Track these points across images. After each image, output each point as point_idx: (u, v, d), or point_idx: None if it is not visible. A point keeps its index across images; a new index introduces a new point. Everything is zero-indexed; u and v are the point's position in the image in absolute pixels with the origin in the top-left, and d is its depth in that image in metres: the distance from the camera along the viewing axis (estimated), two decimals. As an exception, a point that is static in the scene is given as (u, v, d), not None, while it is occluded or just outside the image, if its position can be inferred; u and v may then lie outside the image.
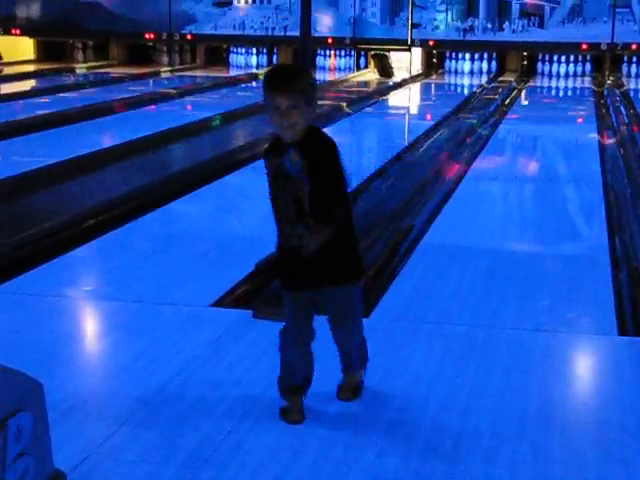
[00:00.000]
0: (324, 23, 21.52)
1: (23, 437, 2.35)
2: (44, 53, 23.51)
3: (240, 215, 8.40)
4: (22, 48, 23.20)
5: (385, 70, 21.49)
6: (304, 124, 3.73)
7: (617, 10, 20.81)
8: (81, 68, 22.29)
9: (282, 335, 3.99)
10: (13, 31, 22.87)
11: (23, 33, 23.05)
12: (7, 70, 20.82)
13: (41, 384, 2.50)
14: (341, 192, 3.81)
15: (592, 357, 4.96)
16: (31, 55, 23.51)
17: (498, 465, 3.65)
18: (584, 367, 4.82)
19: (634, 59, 21.44)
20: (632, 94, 18.43)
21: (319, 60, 22.69)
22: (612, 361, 4.85)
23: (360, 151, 13.00)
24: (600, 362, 4.90)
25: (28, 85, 19.26)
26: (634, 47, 20.85)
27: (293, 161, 3.72)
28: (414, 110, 17.95)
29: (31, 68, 21.95)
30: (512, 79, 20.43)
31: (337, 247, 3.82)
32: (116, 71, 21.52)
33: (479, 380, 4.46)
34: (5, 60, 22.60)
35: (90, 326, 5.46)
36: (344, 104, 16.35)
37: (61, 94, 17.10)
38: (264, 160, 3.89)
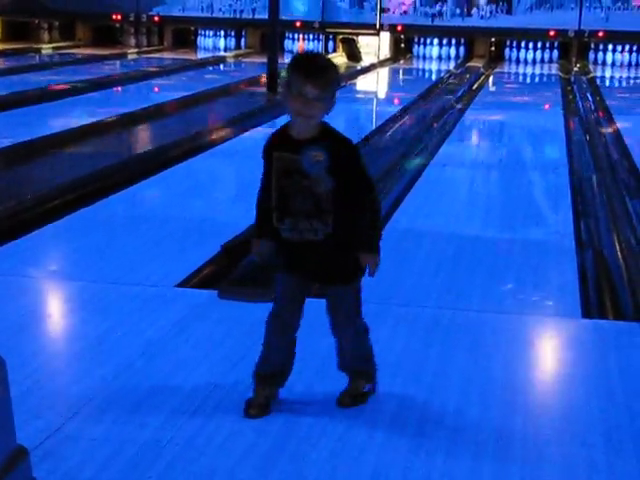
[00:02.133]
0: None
1: (-15, 412, 2.34)
2: (9, 33, 23.29)
3: (206, 197, 8.38)
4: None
5: (353, 55, 21.49)
6: (321, 118, 3.66)
7: (585, -3, 20.92)
8: (47, 49, 22.11)
9: (269, 320, 3.90)
10: (-23, 11, 22.70)
11: (-12, 13, 22.87)
12: (-29, 50, 20.67)
13: (4, 360, 2.48)
14: (371, 182, 3.74)
15: (556, 339, 4.98)
16: (-4, 35, 23.34)
17: (460, 443, 3.67)
18: (548, 349, 4.85)
19: (601, 46, 21.53)
20: (598, 81, 18.56)
21: (287, 44, 22.61)
22: (576, 343, 4.87)
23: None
24: (564, 344, 4.93)
25: (-8, 65, 19.12)
26: (601, 34, 20.93)
27: (314, 160, 3.61)
28: (382, 95, 17.95)
29: (-4, 48, 21.79)
30: (480, 65, 20.48)
31: (344, 246, 3.76)
32: (82, 52, 21.37)
33: (444, 361, 4.47)
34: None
35: (55, 306, 5.42)
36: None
37: (26, 74, 16.96)
38: (266, 153, 3.76)
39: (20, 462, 2.57)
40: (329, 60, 3.82)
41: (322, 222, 3.68)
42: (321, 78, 3.61)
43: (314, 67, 3.65)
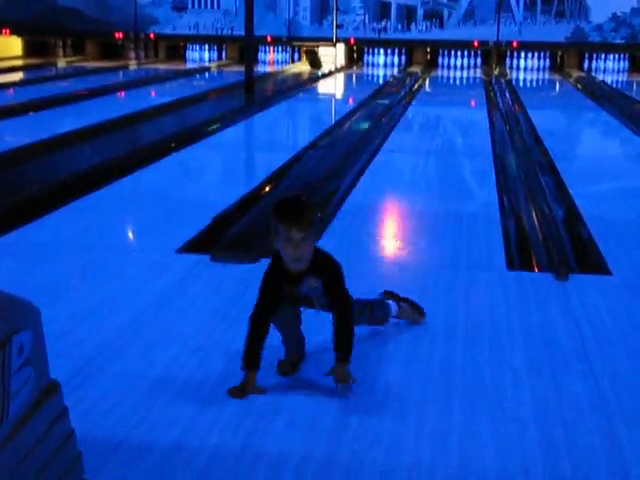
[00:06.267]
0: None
1: (24, 351, 2.32)
2: (30, 50, 23.01)
3: (197, 180, 8.35)
4: (12, 46, 22.69)
5: (315, 63, 21.40)
6: (311, 253, 3.44)
7: (501, 14, 20.97)
8: (61, 62, 21.86)
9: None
10: (4, 31, 22.35)
11: (13, 33, 22.54)
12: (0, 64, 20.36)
13: (39, 309, 2.46)
14: (348, 301, 3.57)
15: (487, 287, 4.99)
16: (19, 51, 23.01)
17: (413, 370, 3.69)
18: (481, 294, 4.85)
19: (515, 54, 21.64)
20: (514, 82, 18.60)
21: (260, 55, 22.48)
22: (502, 289, 4.90)
23: (295, 128, 12.96)
24: (493, 291, 4.92)
25: (17, 76, 18.86)
26: (515, 44, 21.07)
27: (313, 287, 3.51)
28: (339, 95, 17.89)
29: (20, 62, 21.48)
30: (418, 70, 20.45)
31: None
32: (91, 64, 21.13)
33: (396, 307, 4.48)
34: (-2, 56, 22.17)
35: (76, 269, 5.36)
36: (281, 90, 16.28)
37: (45, 83, 16.77)
38: (271, 281, 3.54)
39: (53, 393, 2.55)
40: (306, 201, 3.51)
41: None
42: (303, 220, 3.36)
43: (294, 212, 3.39)
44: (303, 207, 3.44)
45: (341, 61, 21.92)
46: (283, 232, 3.37)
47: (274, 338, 3.68)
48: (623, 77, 20.35)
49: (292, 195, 3.65)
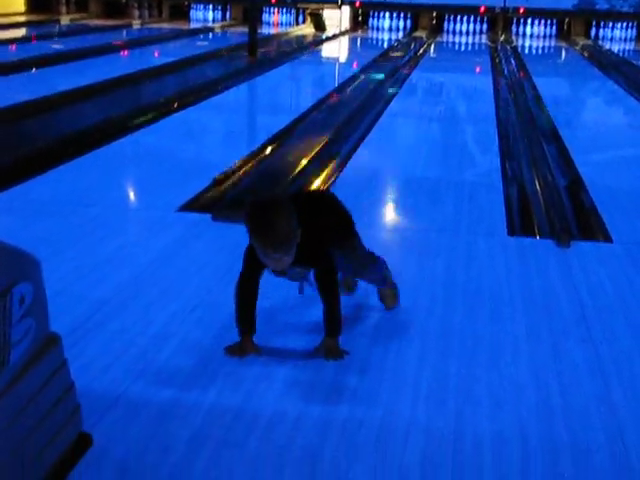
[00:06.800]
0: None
1: (25, 302, 2.32)
2: (33, 6, 22.83)
3: (198, 141, 8.31)
4: (14, 1, 22.50)
5: (320, 26, 21.24)
6: (294, 254, 3.21)
7: (509, -20, 20.83)
8: (64, 19, 21.70)
9: None
10: (6, -14, 22.19)
11: (15, -12, 22.38)
12: (1, 20, 20.18)
13: (39, 261, 2.46)
14: (336, 280, 3.46)
15: (488, 252, 4.98)
16: (22, 8, 22.82)
17: (410, 329, 3.71)
18: (482, 259, 4.84)
19: (521, 20, 21.49)
20: (519, 49, 18.48)
21: (264, 16, 22.35)
22: (503, 255, 4.90)
23: (299, 91, 12.87)
24: (494, 255, 4.91)
25: (20, 33, 18.74)
26: (521, 11, 20.93)
27: (300, 274, 3.47)
28: (343, 59, 17.77)
29: (22, 19, 21.32)
30: (423, 35, 20.31)
31: None
32: (94, 23, 20.97)
33: (397, 269, 4.47)
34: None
35: (76, 226, 5.34)
36: (285, 52, 16.18)
37: (48, 40, 16.66)
38: (251, 255, 3.33)
39: (54, 345, 2.56)
40: (278, 208, 3.15)
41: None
42: (279, 242, 3.12)
43: (269, 231, 3.11)
44: (277, 220, 3.11)
45: (346, 24, 21.75)
46: (259, 248, 3.18)
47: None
48: (630, 46, 20.20)
49: (264, 202, 3.24)
